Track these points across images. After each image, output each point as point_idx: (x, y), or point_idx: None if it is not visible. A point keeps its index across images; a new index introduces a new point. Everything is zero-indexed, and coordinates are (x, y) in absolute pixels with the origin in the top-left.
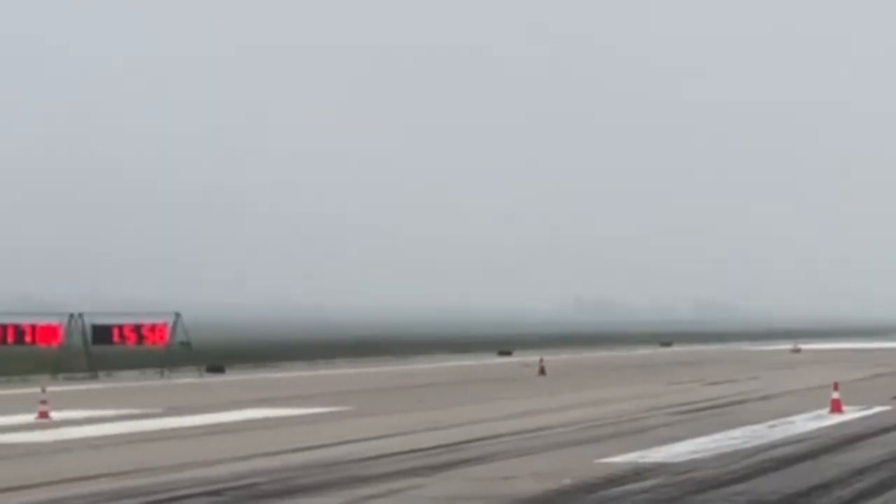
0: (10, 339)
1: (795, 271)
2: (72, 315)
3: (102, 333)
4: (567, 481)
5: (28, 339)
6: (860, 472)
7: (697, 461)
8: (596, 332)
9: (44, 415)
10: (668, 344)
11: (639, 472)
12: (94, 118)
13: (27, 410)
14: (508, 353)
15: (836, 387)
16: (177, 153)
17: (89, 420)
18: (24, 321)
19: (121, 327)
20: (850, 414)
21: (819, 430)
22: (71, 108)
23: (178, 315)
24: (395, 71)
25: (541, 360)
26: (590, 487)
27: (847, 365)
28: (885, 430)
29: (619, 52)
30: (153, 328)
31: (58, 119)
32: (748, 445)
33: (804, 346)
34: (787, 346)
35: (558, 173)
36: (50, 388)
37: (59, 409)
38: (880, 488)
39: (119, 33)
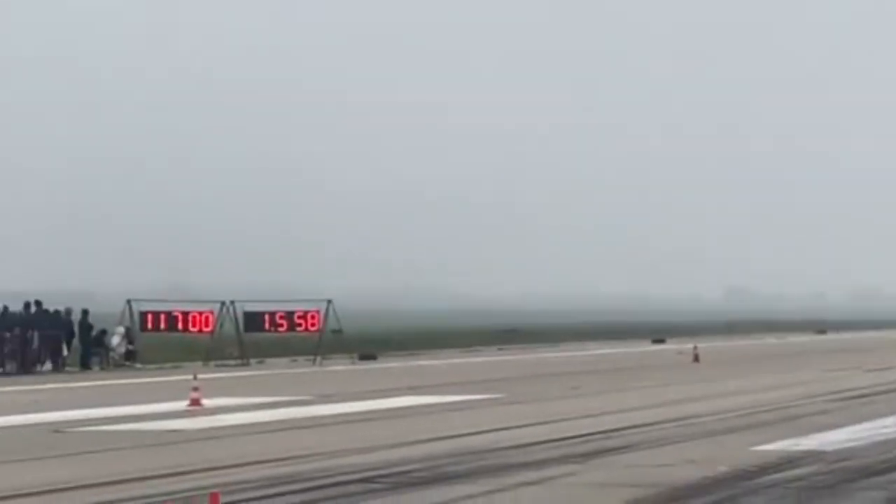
0: (163, 327)
1: None
2: (223, 303)
3: (254, 321)
4: (722, 468)
5: (180, 326)
6: None
7: (852, 449)
8: (749, 320)
9: (195, 402)
10: (822, 331)
11: (793, 460)
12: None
13: (179, 397)
14: (662, 341)
15: None
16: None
17: (241, 407)
18: (177, 308)
19: (273, 314)
20: None
21: None
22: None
23: (329, 302)
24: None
25: (695, 348)
26: (744, 475)
27: None
28: None
29: None
30: (305, 315)
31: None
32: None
33: None
34: None
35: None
36: (202, 375)
37: (210, 396)
38: None
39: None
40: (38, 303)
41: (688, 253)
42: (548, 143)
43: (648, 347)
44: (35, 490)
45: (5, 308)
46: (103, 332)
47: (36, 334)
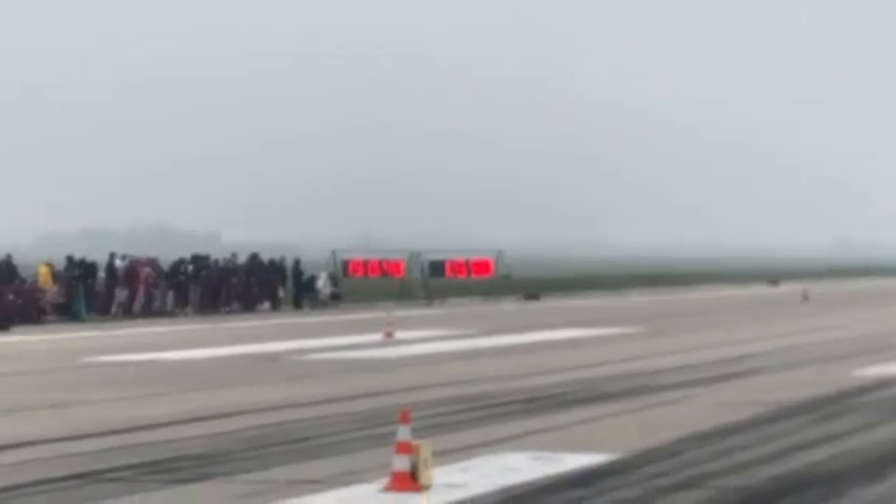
0: (362, 273)
1: None
2: (411, 252)
3: (437, 268)
4: (828, 390)
5: (377, 272)
6: None
7: None
8: (857, 265)
9: (389, 335)
10: None
11: (886, 383)
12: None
13: (376, 331)
14: (776, 283)
15: None
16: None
17: (427, 339)
18: (372, 258)
19: (453, 262)
20: None
21: None
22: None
23: (500, 252)
24: None
25: (804, 290)
26: (844, 396)
27: None
28: None
29: None
30: (480, 263)
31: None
32: None
33: None
34: None
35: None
36: (394, 313)
37: (402, 330)
38: None
39: None
40: (254, 255)
41: (794, 205)
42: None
43: (764, 290)
44: (256, 408)
45: (231, 256)
46: (312, 278)
47: (265, 279)
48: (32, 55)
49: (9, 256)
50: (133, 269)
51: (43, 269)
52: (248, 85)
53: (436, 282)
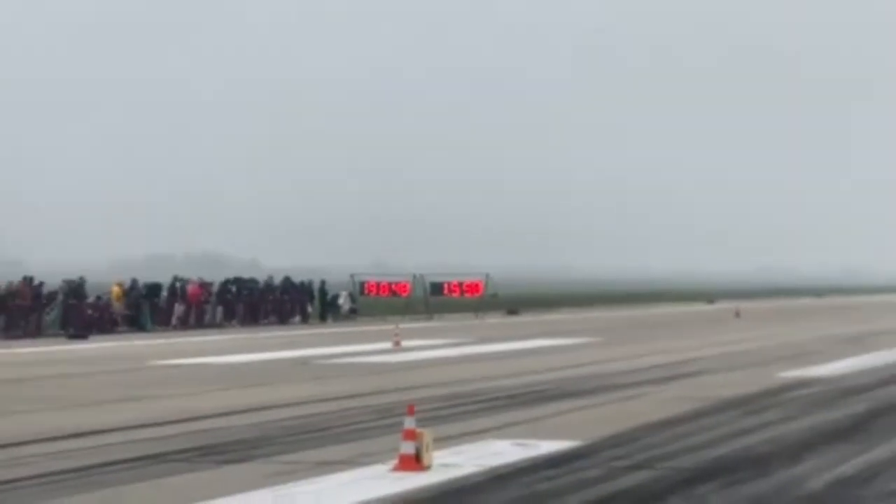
0: (375, 292)
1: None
2: (415, 275)
3: (437, 288)
4: (756, 388)
5: (386, 292)
6: None
7: (844, 375)
8: (780, 287)
9: (397, 343)
10: (820, 295)
11: (803, 383)
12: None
13: (385, 340)
14: (712, 302)
15: None
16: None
17: (428, 347)
18: (384, 280)
19: (449, 283)
20: None
21: None
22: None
23: (488, 275)
24: None
25: (736, 307)
26: (769, 393)
27: None
28: None
29: None
30: (471, 284)
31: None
32: (879, 364)
33: None
34: None
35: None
36: (401, 326)
37: (407, 339)
38: None
39: None
40: (287, 277)
41: (724, 231)
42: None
43: (703, 307)
44: (289, 402)
45: (268, 279)
46: (335, 296)
47: (295, 297)
48: (109, 101)
49: (82, 279)
50: (189, 288)
51: (115, 289)
52: (286, 133)
53: (435, 299)
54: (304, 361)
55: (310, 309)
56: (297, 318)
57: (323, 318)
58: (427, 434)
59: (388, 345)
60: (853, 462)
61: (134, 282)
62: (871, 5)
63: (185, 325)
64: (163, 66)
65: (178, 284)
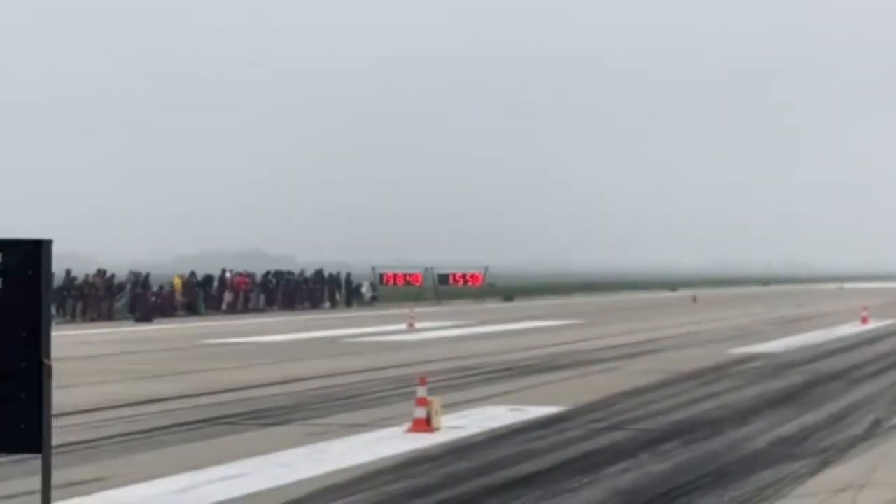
0: (392, 282)
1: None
2: (426, 268)
3: (444, 278)
4: (710, 363)
5: (402, 281)
6: (884, 356)
7: (786, 351)
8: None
9: (411, 325)
10: (766, 284)
11: (750, 358)
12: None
13: (401, 322)
14: (674, 290)
15: (864, 308)
16: None
17: (437, 328)
18: (400, 272)
19: (454, 274)
20: (874, 324)
21: (856, 333)
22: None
23: (486, 268)
24: None
25: (694, 294)
26: (722, 367)
27: (878, 297)
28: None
29: None
30: (473, 275)
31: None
32: (814, 342)
33: (848, 286)
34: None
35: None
36: (415, 310)
37: (419, 322)
38: None
39: None
40: (319, 270)
41: (671, 227)
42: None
43: (666, 294)
44: (320, 374)
45: (302, 271)
46: (359, 285)
47: (325, 286)
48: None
49: (147, 274)
50: (236, 279)
51: (176, 280)
52: (318, 138)
53: (443, 288)
54: (332, 340)
55: (338, 296)
56: (327, 304)
57: (349, 303)
58: (436, 401)
59: (403, 326)
60: (791, 424)
61: (191, 274)
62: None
63: (233, 310)
64: (199, 61)
65: (227, 276)
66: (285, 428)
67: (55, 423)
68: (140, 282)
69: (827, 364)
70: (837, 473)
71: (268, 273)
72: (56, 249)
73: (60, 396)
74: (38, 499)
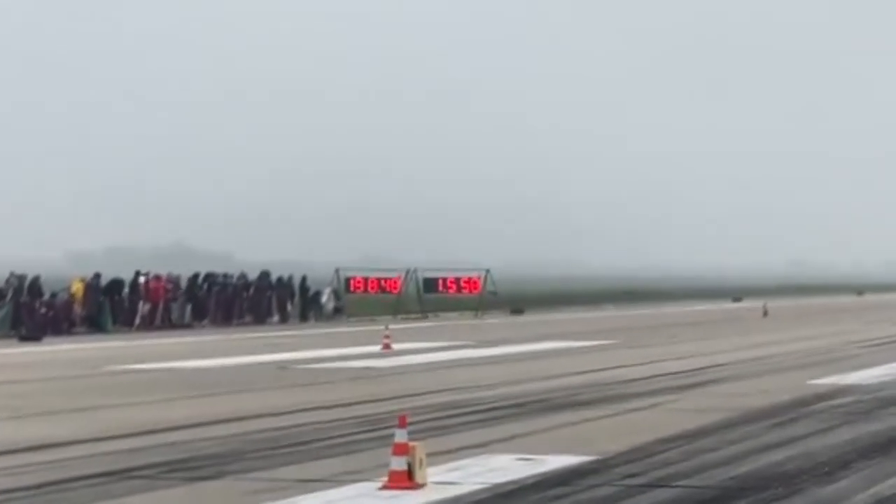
0: (362, 289)
1: None
2: (408, 270)
3: (431, 284)
4: (786, 397)
5: (375, 288)
6: None
7: (884, 383)
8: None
9: (386, 346)
10: (861, 293)
11: (839, 392)
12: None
13: (374, 342)
14: (740, 300)
15: None
16: None
17: (421, 350)
18: (372, 275)
19: (445, 279)
20: None
21: None
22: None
23: (487, 271)
24: None
25: (764, 305)
26: (803, 402)
27: None
28: None
29: None
30: (469, 280)
31: None
32: None
33: None
34: None
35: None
36: (391, 326)
37: (398, 341)
38: None
39: None
40: (265, 273)
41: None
42: None
43: (729, 305)
44: (266, 412)
45: (242, 273)
46: (317, 293)
47: (273, 294)
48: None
49: (37, 277)
50: (154, 284)
51: (76, 285)
52: (259, 118)
53: (429, 297)
54: (282, 366)
55: (289, 307)
56: (276, 318)
57: (304, 317)
58: (420, 448)
59: (376, 347)
60: (892, 481)
61: (95, 277)
62: None
63: (149, 325)
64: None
65: (142, 280)
66: (218, 483)
67: None
68: (26, 287)
69: None
70: None
71: (196, 276)
72: None
73: None
74: None
